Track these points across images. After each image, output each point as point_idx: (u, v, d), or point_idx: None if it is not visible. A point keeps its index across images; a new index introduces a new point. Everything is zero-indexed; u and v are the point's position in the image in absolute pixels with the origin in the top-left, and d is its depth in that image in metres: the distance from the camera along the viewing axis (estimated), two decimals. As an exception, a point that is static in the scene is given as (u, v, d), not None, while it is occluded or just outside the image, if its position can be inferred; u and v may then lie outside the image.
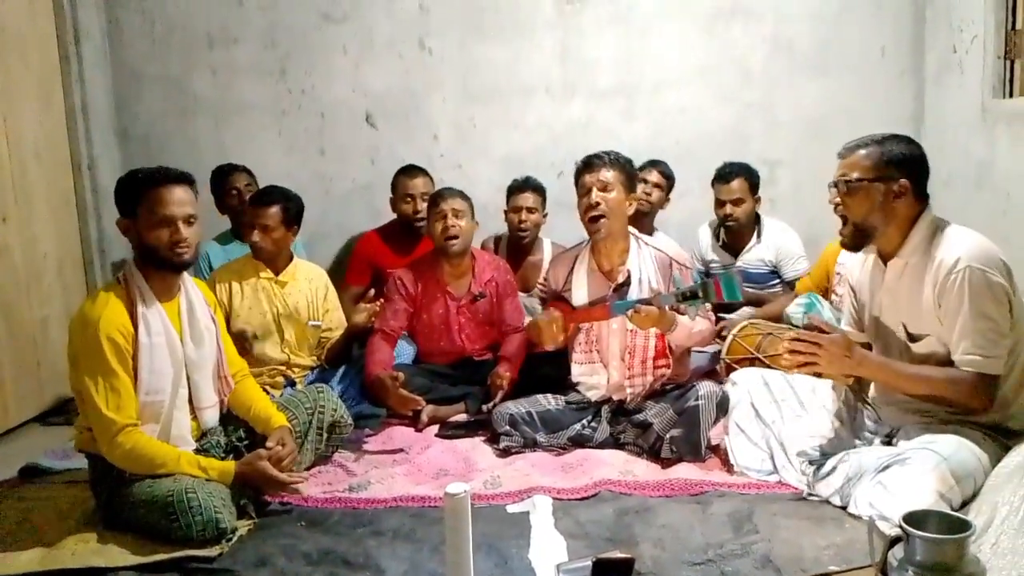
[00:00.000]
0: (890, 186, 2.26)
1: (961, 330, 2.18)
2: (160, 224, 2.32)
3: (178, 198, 2.35)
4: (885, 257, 2.38)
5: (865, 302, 2.51)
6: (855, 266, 2.58)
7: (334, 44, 4.32)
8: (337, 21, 4.30)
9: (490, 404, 3.08)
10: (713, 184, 3.85)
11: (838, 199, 2.35)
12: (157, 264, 2.37)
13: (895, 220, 2.29)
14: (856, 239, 2.35)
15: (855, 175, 2.29)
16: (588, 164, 2.90)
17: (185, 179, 2.39)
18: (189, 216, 2.36)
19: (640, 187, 3.84)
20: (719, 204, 3.83)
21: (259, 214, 3.21)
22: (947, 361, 2.24)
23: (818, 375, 2.62)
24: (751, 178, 3.80)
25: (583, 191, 2.88)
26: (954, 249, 2.21)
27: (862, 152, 2.31)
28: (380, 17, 4.30)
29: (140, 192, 2.33)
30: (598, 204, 2.82)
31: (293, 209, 3.28)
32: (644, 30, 4.28)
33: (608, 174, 2.85)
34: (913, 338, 2.32)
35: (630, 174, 2.93)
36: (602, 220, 2.83)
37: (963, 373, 2.19)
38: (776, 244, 3.86)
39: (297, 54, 4.33)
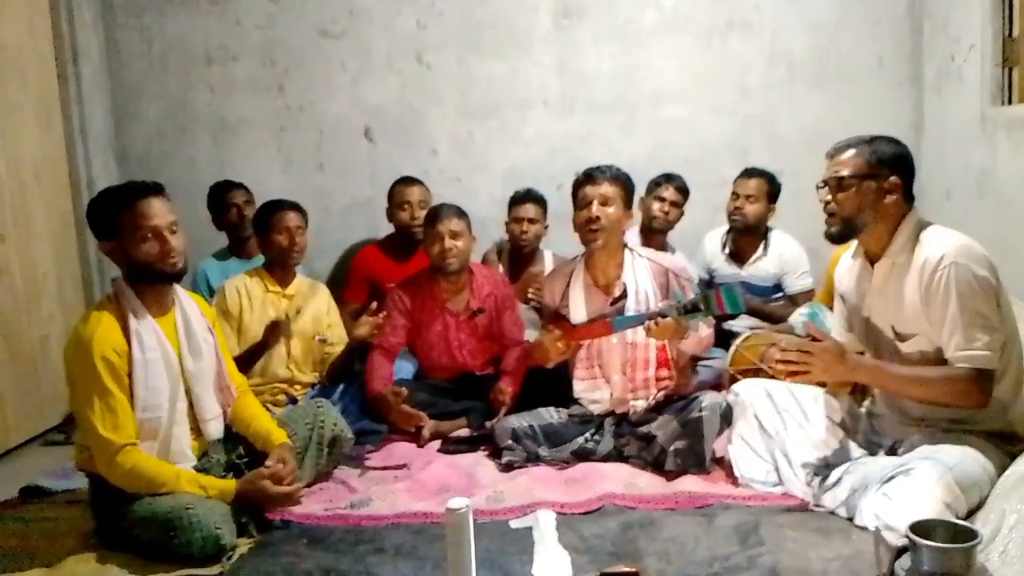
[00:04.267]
0: (881, 183, 2.31)
1: (951, 327, 2.18)
2: (147, 238, 2.29)
3: (158, 209, 2.32)
4: (872, 259, 2.41)
5: (854, 307, 2.51)
6: (843, 273, 2.59)
7: (332, 60, 4.33)
8: (335, 37, 4.32)
9: (493, 420, 3.07)
10: (735, 181, 3.87)
11: (828, 197, 2.38)
12: (151, 278, 2.36)
13: (884, 218, 2.32)
14: (843, 233, 2.39)
15: (846, 172, 2.33)
16: (589, 177, 2.89)
17: (158, 189, 2.36)
18: (172, 224, 2.34)
19: (656, 205, 3.86)
20: (733, 198, 3.84)
21: (289, 216, 3.24)
22: (937, 361, 2.24)
23: (822, 384, 2.62)
24: (772, 184, 3.82)
25: (583, 203, 2.87)
26: (937, 247, 2.23)
27: (852, 151, 2.35)
28: (378, 33, 4.31)
29: (117, 211, 2.30)
30: (598, 218, 2.82)
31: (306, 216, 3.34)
32: (642, 44, 4.29)
33: (609, 188, 2.85)
34: (902, 338, 2.33)
35: (629, 191, 2.93)
36: (600, 233, 2.83)
37: (958, 370, 2.18)
38: (781, 257, 3.86)
39: (295, 71, 4.34)
